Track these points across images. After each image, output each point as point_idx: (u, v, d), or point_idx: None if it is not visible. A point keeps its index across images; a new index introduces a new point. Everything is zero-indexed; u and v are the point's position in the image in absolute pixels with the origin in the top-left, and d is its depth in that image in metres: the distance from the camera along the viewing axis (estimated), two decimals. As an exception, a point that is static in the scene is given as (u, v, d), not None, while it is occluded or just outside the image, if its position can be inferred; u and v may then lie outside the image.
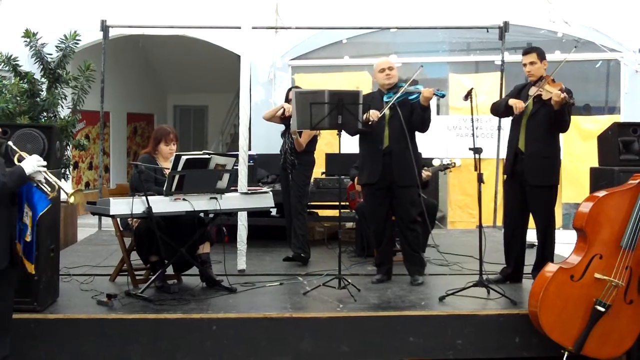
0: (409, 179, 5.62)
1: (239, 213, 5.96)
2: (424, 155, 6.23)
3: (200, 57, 14.00)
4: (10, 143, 4.21)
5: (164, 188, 5.12)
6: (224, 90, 15.82)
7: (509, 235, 5.72)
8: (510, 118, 5.66)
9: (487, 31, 8.92)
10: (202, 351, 4.63)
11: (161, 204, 5.06)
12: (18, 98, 7.58)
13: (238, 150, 5.92)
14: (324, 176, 8.40)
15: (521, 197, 5.56)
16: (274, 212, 7.77)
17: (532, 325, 4.61)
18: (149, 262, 5.46)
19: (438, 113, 10.27)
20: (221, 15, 9.53)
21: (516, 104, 5.42)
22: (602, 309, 4.40)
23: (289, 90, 6.68)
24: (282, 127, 6.79)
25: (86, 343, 4.59)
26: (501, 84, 8.79)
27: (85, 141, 8.62)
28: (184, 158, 5.04)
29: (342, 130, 5.45)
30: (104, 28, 8.58)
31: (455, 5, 9.92)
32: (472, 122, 5.29)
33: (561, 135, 5.65)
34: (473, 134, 5.32)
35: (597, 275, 4.44)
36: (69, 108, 8.02)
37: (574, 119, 9.84)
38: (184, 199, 5.12)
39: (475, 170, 5.29)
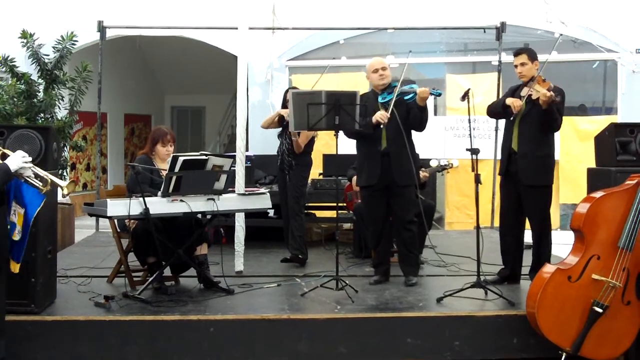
0: (408, 178, 5.62)
1: (237, 214, 5.95)
2: (421, 156, 6.21)
3: (197, 58, 14.00)
4: None
5: (161, 189, 5.11)
6: (221, 91, 15.80)
7: (505, 235, 5.72)
8: (507, 119, 5.67)
9: (484, 32, 8.94)
10: (200, 352, 4.62)
11: (159, 205, 5.04)
12: (15, 99, 7.58)
13: (235, 151, 5.92)
14: (321, 177, 8.39)
15: (516, 197, 5.56)
16: (271, 213, 7.74)
17: (529, 326, 4.60)
18: (146, 263, 5.46)
19: (435, 114, 10.25)
20: (218, 16, 9.53)
21: (514, 102, 5.42)
22: (600, 310, 4.39)
23: (286, 92, 6.67)
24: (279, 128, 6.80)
25: (83, 345, 4.58)
26: (498, 85, 8.81)
27: (83, 142, 8.63)
28: (181, 159, 5.03)
29: (340, 131, 5.45)
30: (101, 29, 8.58)
31: (452, 5, 9.92)
32: (470, 122, 5.27)
33: (558, 135, 5.65)
34: (470, 135, 5.31)
35: (594, 276, 4.43)
36: (66, 109, 8.02)
37: (571, 119, 9.93)
38: (181, 200, 5.11)
39: (473, 171, 5.29)
